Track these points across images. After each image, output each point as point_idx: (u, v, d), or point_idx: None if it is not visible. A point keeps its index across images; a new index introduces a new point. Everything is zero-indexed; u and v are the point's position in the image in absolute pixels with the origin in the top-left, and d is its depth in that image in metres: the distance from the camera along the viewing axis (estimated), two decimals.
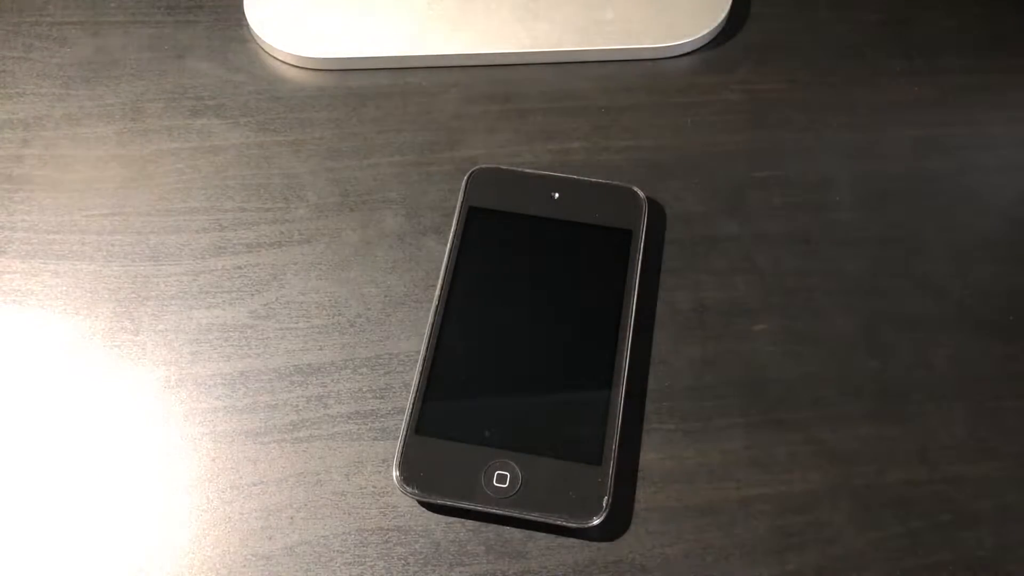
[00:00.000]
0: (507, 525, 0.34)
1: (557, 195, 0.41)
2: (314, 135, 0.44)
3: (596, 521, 0.33)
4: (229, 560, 0.33)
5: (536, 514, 0.33)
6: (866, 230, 0.41)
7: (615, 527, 0.34)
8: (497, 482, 0.34)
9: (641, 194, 0.40)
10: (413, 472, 0.34)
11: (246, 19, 0.46)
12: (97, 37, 0.47)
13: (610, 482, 0.34)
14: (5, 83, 0.45)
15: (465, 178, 0.41)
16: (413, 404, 0.36)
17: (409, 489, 0.34)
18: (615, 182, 0.41)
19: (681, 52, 0.46)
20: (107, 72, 0.45)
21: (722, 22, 0.46)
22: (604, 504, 0.33)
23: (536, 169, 0.41)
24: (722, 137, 0.43)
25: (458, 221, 0.40)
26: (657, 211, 0.41)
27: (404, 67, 0.46)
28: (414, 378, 0.36)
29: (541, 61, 0.46)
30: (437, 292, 0.38)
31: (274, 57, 0.46)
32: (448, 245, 0.39)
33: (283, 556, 0.34)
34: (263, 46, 0.46)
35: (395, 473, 0.34)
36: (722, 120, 0.44)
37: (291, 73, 0.46)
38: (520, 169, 0.41)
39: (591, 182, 0.41)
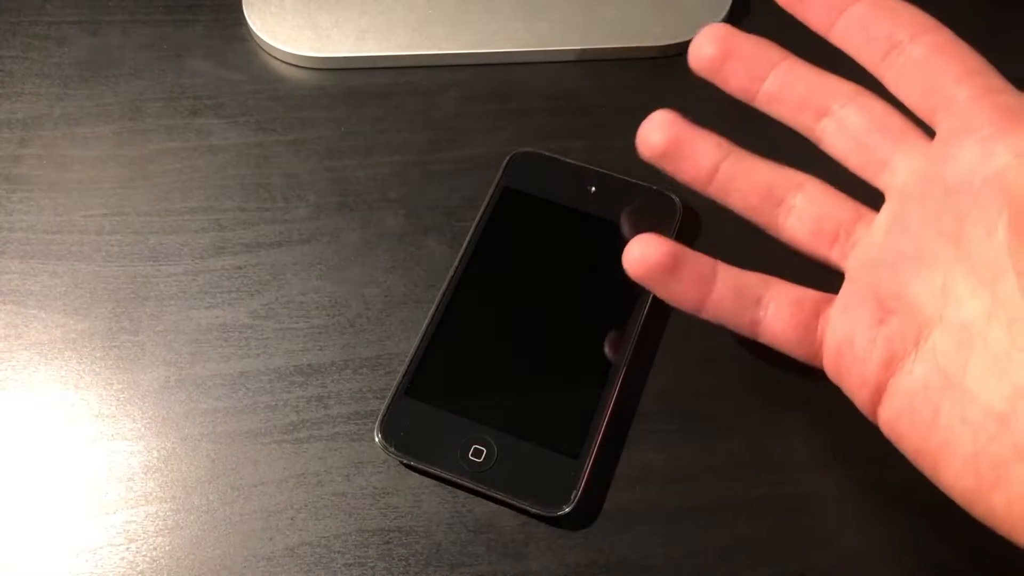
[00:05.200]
0: (480, 498, 0.34)
1: (594, 189, 0.40)
2: (313, 135, 0.44)
3: (560, 512, 0.33)
4: (229, 561, 0.33)
5: (502, 493, 0.34)
6: None
7: (617, 527, 0.34)
8: (473, 456, 0.34)
9: (678, 203, 0.40)
10: (395, 430, 0.35)
11: (245, 18, 0.46)
12: (95, 37, 0.47)
13: (584, 477, 0.34)
14: (3, 83, 0.45)
15: (505, 160, 0.41)
16: (408, 366, 0.36)
17: (387, 446, 0.35)
18: (655, 186, 0.40)
19: (682, 51, 0.46)
20: (105, 72, 0.45)
21: (722, 21, 0.46)
22: (572, 497, 0.34)
23: (578, 160, 0.42)
24: (722, 136, 0.43)
25: (490, 200, 0.40)
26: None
27: (404, 66, 0.46)
28: (415, 341, 0.37)
29: (541, 60, 0.46)
30: (457, 260, 0.39)
31: (273, 56, 0.46)
32: (475, 221, 0.40)
33: (284, 557, 0.33)
34: (262, 45, 0.46)
35: (377, 428, 0.35)
36: (722, 119, 0.44)
37: (290, 72, 0.45)
38: (561, 158, 0.41)
39: (631, 182, 0.41)
